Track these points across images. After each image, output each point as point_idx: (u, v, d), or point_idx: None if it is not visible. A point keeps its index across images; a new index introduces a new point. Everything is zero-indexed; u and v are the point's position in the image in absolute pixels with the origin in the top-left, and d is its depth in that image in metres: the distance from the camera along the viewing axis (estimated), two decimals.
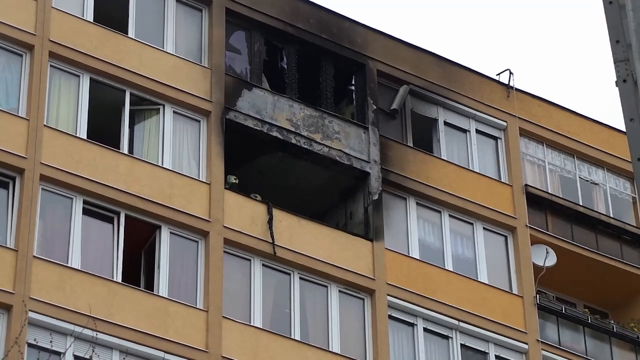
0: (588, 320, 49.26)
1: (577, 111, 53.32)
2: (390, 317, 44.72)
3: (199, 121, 44.53)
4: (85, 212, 41.74)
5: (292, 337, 43.17)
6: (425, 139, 49.18)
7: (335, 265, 44.35)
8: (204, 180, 43.78)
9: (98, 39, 44.74)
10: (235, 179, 43.99)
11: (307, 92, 46.62)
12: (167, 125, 44.05)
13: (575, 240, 50.38)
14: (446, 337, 46.13)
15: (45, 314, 39.47)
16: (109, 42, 44.64)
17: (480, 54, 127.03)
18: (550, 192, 51.06)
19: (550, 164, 52.07)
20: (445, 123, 49.37)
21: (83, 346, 38.53)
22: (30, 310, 39.29)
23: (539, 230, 49.47)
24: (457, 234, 48.54)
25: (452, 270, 47.09)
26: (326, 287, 44.16)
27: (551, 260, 47.96)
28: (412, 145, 48.40)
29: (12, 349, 36.95)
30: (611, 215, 52.10)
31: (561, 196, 51.28)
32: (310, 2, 48.37)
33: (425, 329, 45.65)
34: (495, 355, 46.66)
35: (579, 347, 49.03)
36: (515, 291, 47.70)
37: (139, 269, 42.97)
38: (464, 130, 50.01)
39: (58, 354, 38.92)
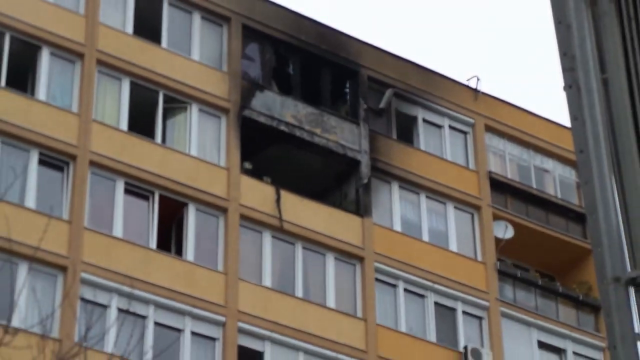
0: (538, 282, 51.39)
1: (533, 111, 54.66)
2: (377, 279, 46.22)
3: (220, 117, 45.79)
4: (126, 191, 43.42)
5: (296, 295, 44.87)
6: (406, 134, 50.30)
7: (331, 237, 45.85)
8: (223, 166, 45.25)
9: (136, 49, 45.96)
10: (249, 165, 45.29)
11: (309, 94, 47.61)
12: (194, 121, 45.49)
13: (529, 217, 52.13)
14: (422, 296, 47.43)
15: (93, 274, 41.02)
16: (145, 51, 45.84)
17: (454, 62, 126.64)
18: (509, 177, 52.50)
19: (509, 154, 53.55)
20: (424, 120, 50.44)
21: (124, 301, 40.07)
22: (81, 271, 41.03)
23: (500, 209, 50.98)
24: (432, 211, 49.63)
25: (427, 241, 48.32)
26: (324, 255, 45.49)
27: (509, 233, 49.40)
28: (396, 139, 49.55)
29: (66, 303, 39.04)
30: (559, 197, 53.75)
31: (518, 181, 52.79)
32: (312, 19, 49.33)
33: (405, 290, 47.00)
34: (462, 311, 47.85)
35: (530, 304, 50.65)
36: (479, 259, 49.21)
37: (170, 238, 44.32)
38: (439, 126, 51.01)
39: (104, 306, 40.63)
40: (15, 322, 26.45)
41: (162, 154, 44.68)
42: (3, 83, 42.21)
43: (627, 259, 7.30)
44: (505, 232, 49.40)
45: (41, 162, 42.73)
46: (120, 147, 44.22)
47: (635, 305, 7.18)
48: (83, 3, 45.05)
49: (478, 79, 51.95)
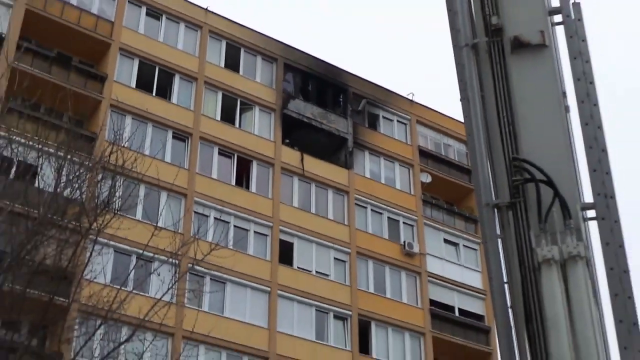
0: (444, 206, 49.17)
1: (443, 112, 52.09)
2: (357, 204, 45.17)
3: (271, 113, 44.66)
4: (220, 154, 42.15)
5: (312, 211, 43.50)
6: (373, 124, 49.09)
7: (331, 179, 44.86)
8: (272, 140, 43.95)
9: (226, 76, 44.46)
10: (287, 141, 44.64)
11: (319, 101, 46.64)
12: (256, 115, 44.25)
13: (441, 173, 49.83)
14: (380, 214, 46.12)
15: (201, 199, 39.84)
16: (228, 76, 44.21)
17: (402, 81, 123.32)
18: (430, 149, 50.37)
19: (430, 137, 51.25)
20: (382, 116, 49.43)
21: (218, 214, 39.17)
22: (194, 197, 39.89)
23: (425, 167, 49.05)
24: (388, 167, 47.92)
25: (384, 183, 47.03)
26: (326, 190, 44.55)
27: (429, 179, 48.42)
28: (367, 127, 48.41)
29: (186, 217, 37.77)
30: (457, 161, 51.04)
31: (435, 151, 50.77)
32: (322, 59, 48.02)
33: (371, 210, 45.81)
34: (402, 222, 46.30)
35: (439, 218, 48.37)
36: (412, 193, 47.72)
37: (242, 180, 42.70)
38: (390, 120, 49.94)
39: (206, 216, 39.02)
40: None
41: (238, 134, 43.31)
42: None
43: (492, 190, 8.35)
44: (427, 179, 48.40)
45: None
46: (218, 131, 42.90)
47: (497, 224, 8.23)
48: None
49: (413, 94, 50.75)
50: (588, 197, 8.28)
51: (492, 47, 8.80)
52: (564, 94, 8.93)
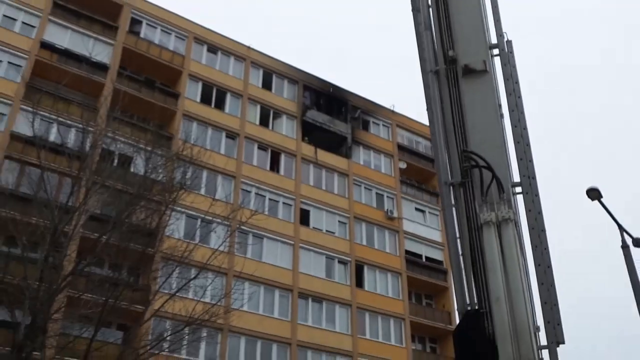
0: (414, 184, 47.23)
1: (415, 119, 49.14)
2: (354, 184, 43.88)
3: (294, 119, 43.43)
4: (258, 148, 40.97)
5: (322, 188, 42.23)
6: (365, 127, 47.26)
7: (335, 165, 43.57)
8: (295, 139, 42.74)
9: (261, 92, 43.06)
10: (306, 139, 43.46)
11: (328, 111, 45.29)
12: (284, 121, 42.95)
13: (413, 161, 47.97)
14: (370, 190, 44.84)
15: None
16: (264, 93, 43.02)
17: (386, 93, 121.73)
18: (407, 145, 48.63)
19: (406, 136, 49.18)
20: (372, 122, 47.71)
21: None
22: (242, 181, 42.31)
23: (400, 157, 47.38)
24: (376, 158, 46.60)
25: (373, 168, 45.74)
26: (332, 173, 43.25)
27: (404, 166, 47.00)
28: (361, 129, 46.66)
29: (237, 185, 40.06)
30: (430, 156, 48.69)
31: (409, 146, 48.84)
32: (330, 82, 46.27)
33: (364, 188, 44.52)
34: (386, 196, 45.07)
35: (411, 194, 46.69)
36: (392, 175, 46.10)
37: (273, 168, 41.44)
38: (377, 124, 47.81)
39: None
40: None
41: (271, 133, 41.82)
42: None
43: (449, 173, 8.50)
44: (403, 165, 46.79)
45: None
46: (256, 130, 41.53)
47: (452, 197, 8.38)
48: None
49: (394, 106, 48.85)
50: (517, 177, 8.30)
51: (449, 72, 8.74)
52: (500, 105, 8.83)
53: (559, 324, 7.53)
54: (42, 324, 15.73)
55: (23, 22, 34.06)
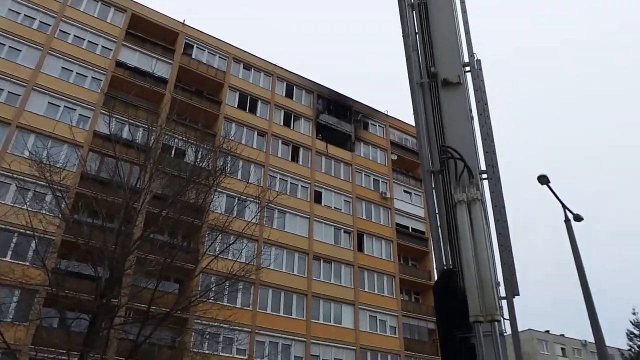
0: (403, 171, 46.16)
1: (404, 120, 48.49)
2: (356, 171, 42.95)
3: (310, 121, 42.53)
4: (282, 143, 40.01)
5: (332, 175, 41.49)
6: (366, 127, 46.01)
7: (342, 157, 42.73)
8: (311, 136, 41.94)
9: (285, 100, 42.25)
10: (319, 136, 42.51)
11: (337, 114, 44.29)
12: (302, 123, 42.04)
13: (403, 154, 46.86)
14: (369, 176, 43.97)
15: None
16: (287, 101, 42.25)
17: (382, 100, 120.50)
18: (397, 141, 47.59)
19: (397, 134, 48.04)
20: (370, 123, 46.52)
21: None
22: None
23: (393, 150, 46.50)
24: (373, 152, 45.44)
25: (371, 159, 44.82)
26: (339, 164, 42.45)
27: (395, 157, 46.00)
28: (362, 129, 45.48)
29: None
30: (416, 150, 47.83)
31: (402, 143, 47.76)
32: (337, 92, 45.25)
33: (364, 174, 43.52)
34: (381, 180, 44.46)
35: (400, 178, 45.67)
36: (386, 164, 45.23)
37: (294, 159, 40.70)
38: (375, 125, 46.53)
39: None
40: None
41: (292, 132, 41.11)
42: None
43: (430, 163, 8.76)
44: (395, 157, 45.78)
45: None
46: (281, 130, 40.72)
47: (433, 182, 8.28)
48: None
49: (387, 110, 47.76)
50: (483, 166, 8.20)
51: (431, 84, 8.63)
52: (470, 110, 8.69)
53: (515, 280, 7.50)
54: (118, 277, 16.04)
55: (103, 46, 34.58)
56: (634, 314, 41.68)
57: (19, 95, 29.91)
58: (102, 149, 27.11)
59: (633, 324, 35.23)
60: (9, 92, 29.69)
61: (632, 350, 34.64)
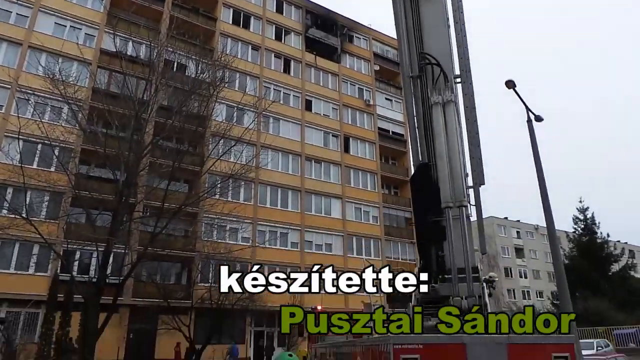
0: (390, 82, 44.80)
1: (386, 33, 45.43)
2: (342, 81, 41.42)
3: (300, 35, 40.01)
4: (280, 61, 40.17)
5: (320, 84, 40.04)
6: (351, 40, 43.23)
7: (329, 69, 40.77)
8: (301, 50, 39.58)
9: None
10: (308, 50, 39.94)
11: (324, 29, 41.33)
12: (293, 37, 39.86)
13: (384, 65, 44.81)
14: (354, 85, 42.30)
15: None
16: (279, 19, 40.19)
17: (365, 13, 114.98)
18: (380, 53, 45.38)
19: (379, 46, 45.22)
20: (355, 36, 43.77)
21: None
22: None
23: (375, 61, 44.27)
24: (358, 63, 43.45)
25: (356, 70, 42.75)
26: (328, 74, 40.72)
27: (377, 67, 43.84)
28: (347, 42, 42.99)
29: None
30: (396, 61, 45.45)
31: (381, 54, 45.14)
32: (325, 7, 42.40)
33: (350, 83, 41.99)
34: (365, 89, 43.18)
35: (387, 89, 43.91)
36: (370, 74, 43.39)
37: (289, 69, 39.22)
38: (359, 38, 43.78)
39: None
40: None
41: (284, 46, 39.11)
42: None
43: (410, 69, 8.37)
44: (377, 67, 43.43)
45: None
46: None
47: (412, 85, 8.19)
48: None
49: (370, 24, 44.95)
50: (457, 71, 8.17)
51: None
52: (447, 19, 8.37)
53: (481, 171, 7.64)
54: (133, 179, 16.17)
55: None
56: (580, 202, 44.14)
57: (27, 16, 29.03)
58: (110, 65, 26.29)
59: (579, 210, 36.83)
60: (17, 13, 28.90)
61: (576, 232, 36.34)
